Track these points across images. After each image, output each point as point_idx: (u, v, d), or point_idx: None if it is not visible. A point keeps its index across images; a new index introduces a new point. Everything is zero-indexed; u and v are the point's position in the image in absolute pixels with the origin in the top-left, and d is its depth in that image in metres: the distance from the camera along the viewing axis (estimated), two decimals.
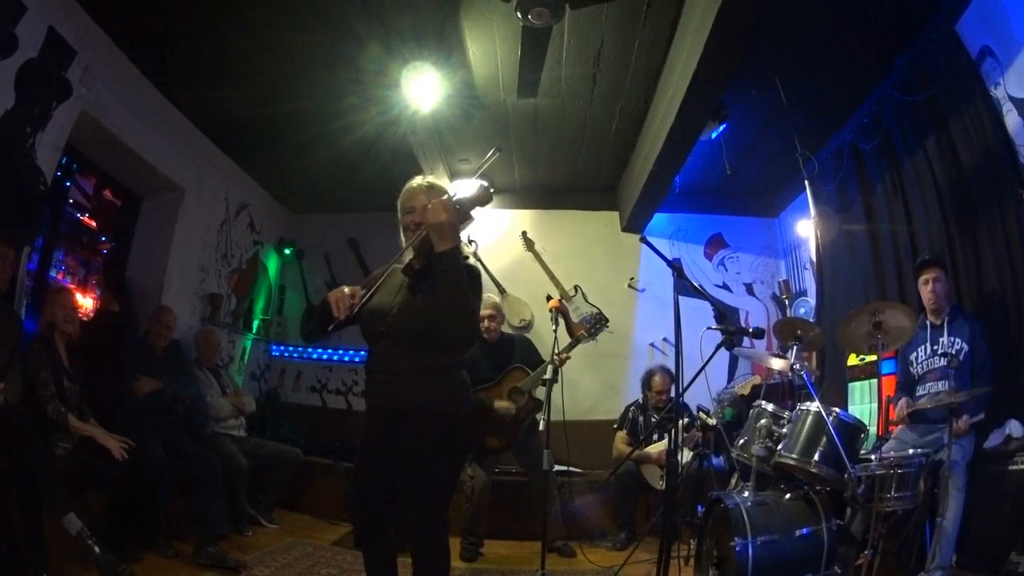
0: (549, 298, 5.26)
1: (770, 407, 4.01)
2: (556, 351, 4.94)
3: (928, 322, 4.27)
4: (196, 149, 6.28)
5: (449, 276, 2.60)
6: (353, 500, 2.95)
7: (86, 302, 5.55)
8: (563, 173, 7.64)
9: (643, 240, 3.83)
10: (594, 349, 5.69)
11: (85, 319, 5.26)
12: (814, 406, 3.65)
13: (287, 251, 8.25)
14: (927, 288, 4.25)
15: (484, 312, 5.48)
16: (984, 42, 4.22)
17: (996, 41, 4.13)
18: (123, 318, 5.71)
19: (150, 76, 5.32)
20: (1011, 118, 4.03)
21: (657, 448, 5.55)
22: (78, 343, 4.40)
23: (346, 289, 2.80)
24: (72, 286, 5.45)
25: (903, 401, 4.22)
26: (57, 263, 5.35)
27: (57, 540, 3.49)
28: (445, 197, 2.72)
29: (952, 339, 4.08)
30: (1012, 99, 4.01)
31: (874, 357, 5.02)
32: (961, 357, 3.95)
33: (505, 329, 5.78)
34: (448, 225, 2.61)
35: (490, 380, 5.34)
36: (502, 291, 7.67)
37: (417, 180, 3.01)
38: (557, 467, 5.22)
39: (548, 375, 4.64)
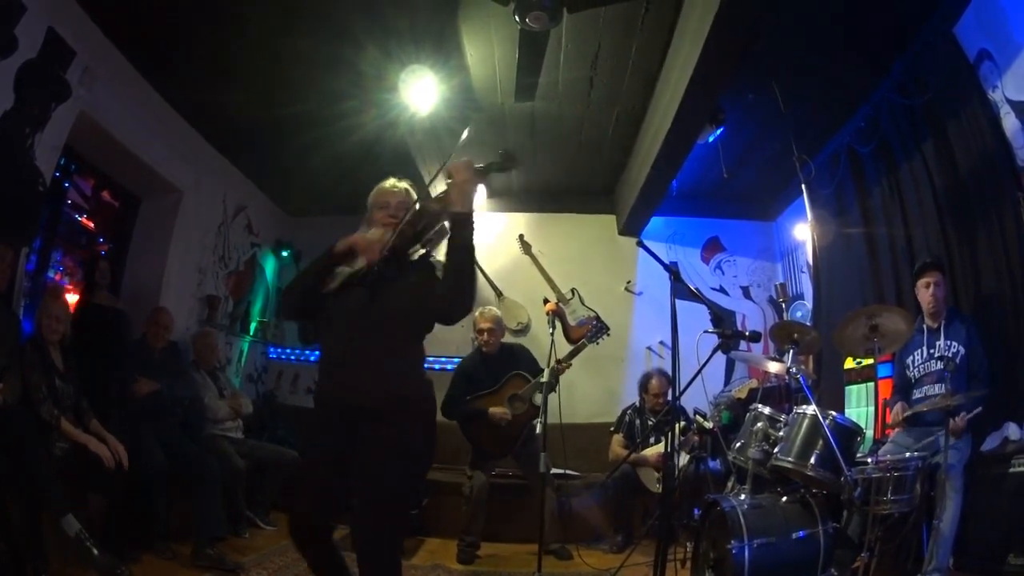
0: (546, 301, 5.26)
1: (766, 410, 4.02)
2: (557, 359, 4.95)
3: (924, 325, 4.27)
4: (195, 151, 6.28)
5: (466, 238, 2.61)
6: (298, 504, 2.70)
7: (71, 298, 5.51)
8: (560, 176, 7.66)
9: (640, 244, 3.84)
10: (591, 352, 5.69)
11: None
12: (810, 409, 3.66)
13: (285, 253, 8.23)
14: (927, 292, 4.24)
15: (484, 325, 5.50)
16: (982, 45, 4.23)
17: (994, 44, 4.14)
18: (114, 314, 5.70)
19: (149, 78, 5.32)
20: (1008, 121, 4.04)
21: (654, 451, 5.55)
22: (71, 343, 4.39)
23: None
24: (69, 287, 5.45)
25: (899, 405, 4.22)
26: (55, 264, 5.35)
27: (56, 541, 3.49)
28: (466, 159, 2.64)
29: (948, 342, 4.09)
30: (1010, 102, 4.02)
31: (871, 360, 5.03)
32: (957, 360, 3.95)
33: (505, 339, 5.78)
34: (472, 183, 2.60)
35: (489, 388, 5.35)
36: (499, 294, 7.68)
37: (391, 180, 2.96)
38: (554, 470, 5.24)
39: (545, 378, 4.64)
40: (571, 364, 5.33)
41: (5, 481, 3.37)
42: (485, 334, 5.49)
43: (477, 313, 5.61)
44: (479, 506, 5.20)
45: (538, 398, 4.91)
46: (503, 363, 5.51)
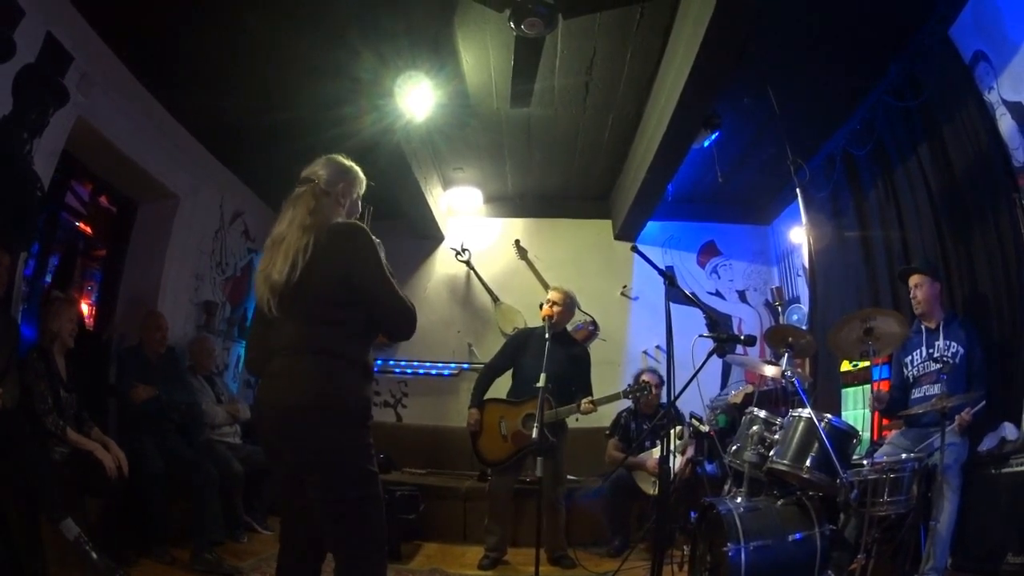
0: (542, 306, 5.25)
1: (762, 413, 4.02)
2: (590, 399, 4.92)
3: (923, 326, 4.29)
4: (192, 156, 6.27)
5: None
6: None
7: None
8: (556, 182, 7.70)
9: (635, 250, 3.81)
10: None
11: None
12: (806, 412, 3.67)
13: None
14: (911, 295, 4.31)
15: (552, 296, 5.25)
16: (977, 46, 4.23)
17: (989, 45, 4.14)
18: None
19: (147, 83, 5.32)
20: (1004, 122, 4.05)
21: (651, 455, 5.55)
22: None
23: None
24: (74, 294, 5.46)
25: (878, 390, 4.34)
26: (52, 269, 5.35)
27: (54, 545, 3.48)
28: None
29: (948, 343, 4.09)
30: (1005, 103, 4.03)
31: (866, 363, 5.05)
32: (956, 360, 3.98)
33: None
34: None
35: (534, 380, 4.65)
36: (495, 299, 7.70)
37: None
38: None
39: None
40: (596, 409, 5.17)
41: (3, 485, 3.37)
42: (552, 306, 5.14)
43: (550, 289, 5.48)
44: (495, 503, 5.13)
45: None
46: (559, 348, 5.01)
